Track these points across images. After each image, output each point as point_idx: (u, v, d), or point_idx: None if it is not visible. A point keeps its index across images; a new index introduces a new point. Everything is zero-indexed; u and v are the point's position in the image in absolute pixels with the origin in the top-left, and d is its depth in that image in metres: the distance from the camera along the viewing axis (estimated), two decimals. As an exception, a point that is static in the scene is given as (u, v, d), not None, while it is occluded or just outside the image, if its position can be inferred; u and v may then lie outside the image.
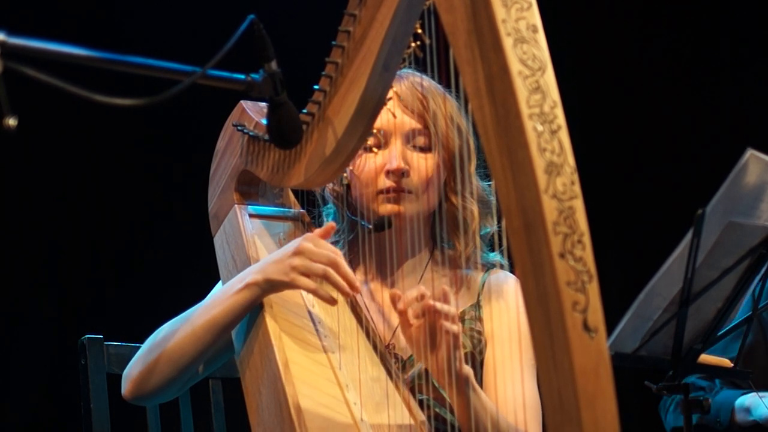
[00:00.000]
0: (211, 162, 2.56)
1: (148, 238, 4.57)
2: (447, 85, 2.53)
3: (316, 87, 2.26)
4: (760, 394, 3.39)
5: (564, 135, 1.79)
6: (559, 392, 1.74)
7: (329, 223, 2.40)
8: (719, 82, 4.77)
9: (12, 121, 1.65)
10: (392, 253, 2.54)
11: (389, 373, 2.40)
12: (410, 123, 2.52)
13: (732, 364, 2.75)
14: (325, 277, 2.31)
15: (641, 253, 3.88)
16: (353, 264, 2.55)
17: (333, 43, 2.22)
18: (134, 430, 2.94)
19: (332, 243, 2.46)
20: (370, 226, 2.50)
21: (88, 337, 2.75)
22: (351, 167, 2.51)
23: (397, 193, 2.49)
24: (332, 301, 2.34)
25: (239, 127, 2.43)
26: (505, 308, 2.55)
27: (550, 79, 1.80)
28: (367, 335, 2.44)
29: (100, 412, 2.71)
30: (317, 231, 2.38)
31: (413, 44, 2.25)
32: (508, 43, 1.78)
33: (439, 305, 2.27)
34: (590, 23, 4.79)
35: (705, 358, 2.67)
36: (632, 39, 4.80)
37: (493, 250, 2.61)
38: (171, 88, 1.83)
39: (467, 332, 2.53)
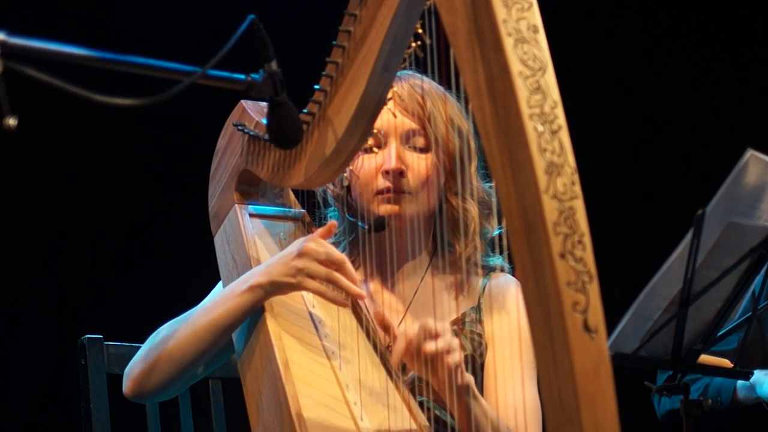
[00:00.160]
0: (212, 162, 2.56)
1: (148, 238, 4.57)
2: (447, 86, 2.53)
3: (316, 87, 2.26)
4: (765, 371, 3.38)
5: (564, 135, 1.79)
6: (559, 392, 1.74)
7: (330, 222, 2.40)
8: (719, 82, 4.77)
9: (12, 121, 1.65)
10: (392, 254, 2.54)
11: (389, 373, 2.40)
12: (408, 123, 2.52)
13: (732, 365, 2.75)
14: (330, 280, 2.30)
15: (641, 253, 3.88)
16: (354, 264, 2.55)
17: (333, 42, 2.22)
18: (134, 430, 2.94)
19: (333, 244, 2.46)
20: (366, 227, 2.51)
21: (88, 337, 2.75)
22: (351, 167, 2.51)
23: (395, 193, 2.49)
24: (343, 303, 2.34)
25: (239, 127, 2.43)
26: (505, 312, 2.55)
27: (550, 79, 1.80)
28: (367, 335, 2.44)
29: (100, 412, 2.71)
30: (319, 231, 2.38)
31: (414, 44, 2.25)
32: (508, 43, 1.78)
33: (432, 347, 2.24)
34: (590, 23, 4.79)
35: (705, 358, 2.67)
36: (632, 39, 4.80)
37: (494, 254, 2.60)
38: (171, 88, 1.83)
39: (467, 335, 2.53)
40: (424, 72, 2.46)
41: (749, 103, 4.66)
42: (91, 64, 1.84)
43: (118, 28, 4.48)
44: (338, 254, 2.32)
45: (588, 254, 1.76)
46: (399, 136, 2.52)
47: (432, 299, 2.55)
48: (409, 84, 2.53)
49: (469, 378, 2.32)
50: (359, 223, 2.53)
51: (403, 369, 2.44)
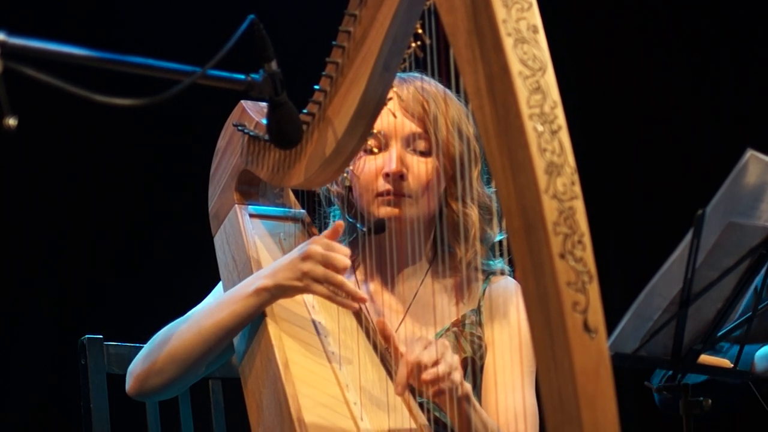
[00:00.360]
0: (212, 162, 2.56)
1: (148, 238, 4.57)
2: (447, 86, 2.53)
3: (316, 87, 2.26)
4: None
5: (564, 135, 1.79)
6: (559, 392, 1.74)
7: (337, 223, 2.39)
8: (719, 82, 4.77)
9: (12, 121, 1.65)
10: (392, 256, 2.54)
11: (389, 373, 2.40)
12: (410, 126, 2.52)
13: (732, 365, 2.75)
14: (335, 284, 2.30)
15: (641, 253, 3.88)
16: (354, 264, 2.55)
17: (333, 43, 2.22)
18: (134, 430, 2.93)
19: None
20: (365, 229, 2.51)
21: (88, 337, 2.75)
22: (351, 168, 2.51)
23: (395, 196, 2.49)
24: (352, 306, 2.34)
25: (239, 127, 2.43)
26: (506, 315, 2.55)
27: (550, 79, 1.80)
28: (367, 336, 2.44)
29: (100, 412, 2.71)
30: (325, 232, 2.37)
31: (414, 44, 2.25)
32: (508, 43, 1.78)
33: (433, 374, 2.25)
34: (590, 23, 4.78)
35: (705, 358, 2.67)
36: (632, 39, 4.80)
37: (495, 257, 2.60)
38: (171, 88, 1.83)
39: (467, 337, 2.53)
40: (423, 72, 2.46)
41: (749, 103, 4.66)
42: (91, 64, 1.84)
43: (118, 28, 4.48)
44: (343, 260, 2.31)
45: (588, 254, 1.76)
46: (401, 138, 2.51)
47: (432, 301, 2.55)
48: (413, 86, 2.52)
49: (468, 388, 2.33)
50: (358, 225, 2.53)
51: (412, 391, 2.42)
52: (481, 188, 2.57)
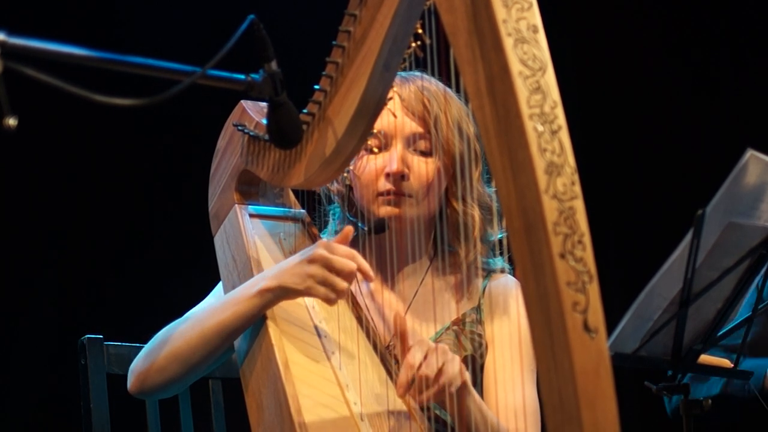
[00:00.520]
0: (211, 162, 2.56)
1: (148, 238, 4.57)
2: (447, 86, 2.53)
3: (316, 87, 2.26)
4: None
5: (564, 135, 1.79)
6: (559, 392, 1.74)
7: (346, 227, 2.39)
8: (719, 82, 4.77)
9: (12, 121, 1.65)
10: (392, 255, 2.54)
11: (389, 373, 2.40)
12: (412, 126, 2.52)
13: (732, 365, 2.75)
14: (338, 289, 2.30)
15: (641, 253, 3.88)
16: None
17: (333, 42, 2.22)
18: (134, 430, 2.93)
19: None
20: (366, 229, 2.51)
21: (88, 337, 2.75)
22: (352, 168, 2.51)
23: (396, 196, 2.49)
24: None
25: (239, 127, 2.43)
26: (506, 313, 2.55)
27: (550, 79, 1.80)
28: (367, 335, 2.44)
29: (100, 412, 2.71)
30: (336, 238, 2.37)
31: (414, 44, 2.25)
32: (508, 43, 1.78)
33: (433, 391, 2.27)
34: (590, 23, 4.79)
35: (705, 358, 2.67)
36: (632, 39, 4.80)
37: (496, 255, 2.60)
38: (171, 88, 1.83)
39: (468, 335, 2.53)
40: (423, 72, 2.46)
41: (749, 103, 4.66)
42: (91, 64, 1.84)
43: (118, 28, 4.48)
44: (348, 264, 2.31)
45: (588, 254, 1.76)
46: (402, 138, 2.51)
47: (432, 299, 2.55)
48: (414, 85, 2.52)
49: (467, 376, 2.33)
50: (359, 224, 2.53)
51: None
52: (481, 187, 2.57)
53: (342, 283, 2.30)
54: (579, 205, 1.77)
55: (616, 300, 2.61)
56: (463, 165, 2.53)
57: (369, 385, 2.37)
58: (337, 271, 2.30)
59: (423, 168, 2.51)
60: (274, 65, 2.11)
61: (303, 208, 2.57)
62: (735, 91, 4.73)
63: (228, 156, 2.50)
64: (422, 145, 2.52)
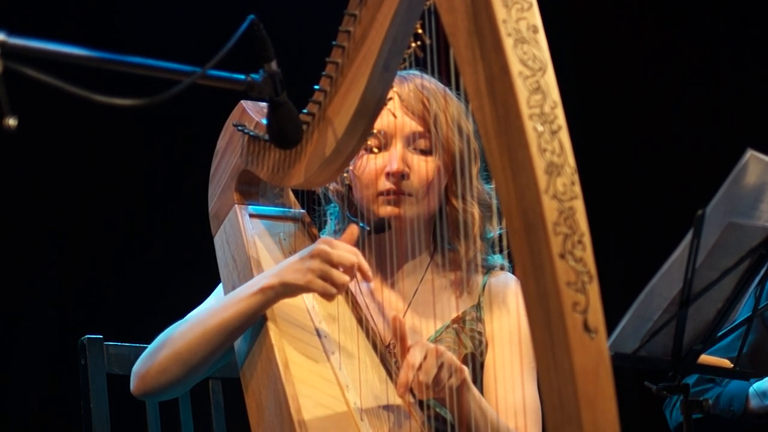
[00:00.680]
0: (211, 162, 2.56)
1: (148, 238, 4.57)
2: (447, 86, 2.53)
3: (316, 87, 2.26)
4: None
5: (564, 135, 1.79)
6: (559, 392, 1.74)
7: (352, 227, 2.40)
8: (719, 82, 4.77)
9: (12, 121, 1.64)
10: (392, 254, 2.54)
11: (389, 372, 2.40)
12: (411, 125, 2.52)
13: (732, 365, 2.75)
14: (339, 283, 2.31)
15: (641, 253, 3.88)
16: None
17: (333, 43, 2.22)
18: (134, 430, 2.94)
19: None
20: (368, 228, 2.51)
21: (88, 337, 2.75)
22: (352, 168, 2.51)
23: (397, 195, 2.49)
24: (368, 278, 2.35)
25: (239, 127, 2.43)
26: (506, 311, 2.55)
27: (550, 79, 1.80)
28: (367, 335, 2.45)
29: (100, 412, 2.71)
30: (342, 237, 2.38)
31: (414, 44, 2.25)
32: (508, 43, 1.78)
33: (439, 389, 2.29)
34: (590, 23, 4.79)
35: (705, 358, 2.67)
36: (632, 39, 4.80)
37: (495, 253, 2.60)
38: (171, 88, 1.83)
39: (468, 333, 2.53)
40: (423, 71, 2.46)
41: (749, 103, 4.66)
42: (91, 64, 1.84)
43: (118, 28, 4.48)
44: (349, 257, 2.31)
45: (588, 254, 1.76)
46: (402, 137, 2.51)
47: (432, 297, 2.55)
48: (414, 84, 2.52)
49: (467, 372, 2.34)
50: (360, 224, 2.53)
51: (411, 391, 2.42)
52: (480, 185, 2.57)
53: (342, 277, 2.30)
54: (579, 205, 1.77)
55: (616, 300, 2.61)
56: (463, 163, 2.53)
57: (369, 384, 2.37)
58: (337, 265, 2.30)
59: (423, 167, 2.51)
60: (274, 65, 2.11)
61: (303, 209, 2.57)
62: (735, 91, 4.73)
63: (228, 156, 2.50)
64: (422, 144, 2.52)
